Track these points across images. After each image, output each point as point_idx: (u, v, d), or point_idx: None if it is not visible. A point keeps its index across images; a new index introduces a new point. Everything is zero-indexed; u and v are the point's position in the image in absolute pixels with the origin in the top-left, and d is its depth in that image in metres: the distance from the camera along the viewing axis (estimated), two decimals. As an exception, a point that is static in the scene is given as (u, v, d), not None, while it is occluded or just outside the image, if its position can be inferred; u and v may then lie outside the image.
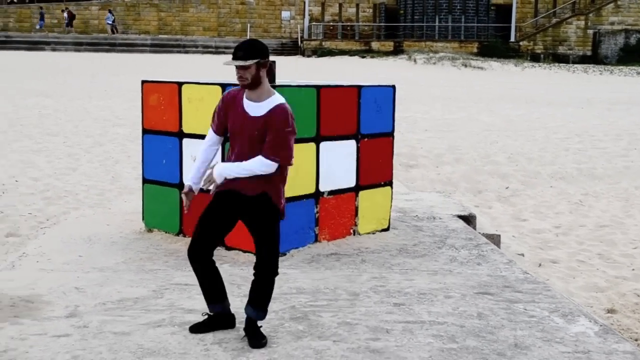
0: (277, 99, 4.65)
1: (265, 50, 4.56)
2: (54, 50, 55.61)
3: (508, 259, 7.04)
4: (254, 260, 6.48)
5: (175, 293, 5.79)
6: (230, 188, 4.70)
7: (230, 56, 4.64)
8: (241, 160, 4.64)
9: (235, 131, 4.68)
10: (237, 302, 5.53)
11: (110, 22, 59.90)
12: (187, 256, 4.83)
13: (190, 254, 4.79)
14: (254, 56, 4.51)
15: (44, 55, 51.14)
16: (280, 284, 6.01)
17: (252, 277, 4.82)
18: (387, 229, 7.98)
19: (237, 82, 4.66)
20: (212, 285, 4.90)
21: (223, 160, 4.88)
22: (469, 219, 8.76)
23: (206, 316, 5.00)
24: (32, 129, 18.11)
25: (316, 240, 7.35)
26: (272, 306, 5.39)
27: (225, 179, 4.68)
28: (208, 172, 4.75)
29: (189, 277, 6.21)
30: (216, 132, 4.82)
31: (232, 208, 4.76)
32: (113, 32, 59.59)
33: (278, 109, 4.60)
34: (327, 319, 5.27)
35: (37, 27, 60.27)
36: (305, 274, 6.36)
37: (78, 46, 56.81)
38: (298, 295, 5.77)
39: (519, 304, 5.69)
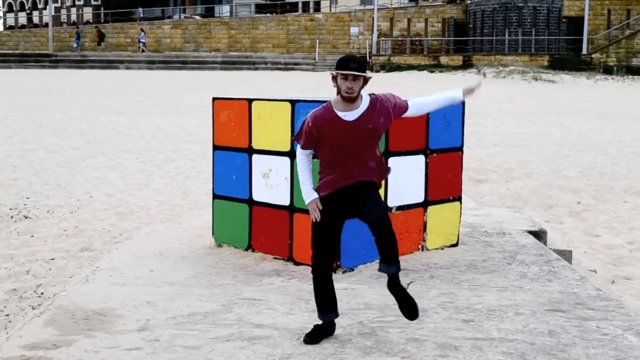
0: (366, 96, 4.97)
1: None
2: (127, 68, 56.86)
3: (580, 276, 6.91)
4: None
5: (244, 308, 5.84)
6: (346, 184, 4.94)
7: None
8: (362, 163, 4.94)
9: (342, 143, 4.89)
10: (306, 317, 5.57)
11: (143, 41, 61.25)
12: (312, 269, 5.08)
13: (319, 268, 5.03)
14: (365, 70, 4.82)
15: (117, 73, 52.31)
16: (348, 299, 6.02)
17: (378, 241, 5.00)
18: (455, 245, 7.92)
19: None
20: (330, 295, 5.10)
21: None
22: (539, 235, 8.63)
23: (313, 327, 5.15)
24: (106, 146, 18.52)
25: (384, 255, 7.32)
26: (340, 321, 5.40)
27: None
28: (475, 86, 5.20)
29: (258, 292, 6.28)
30: (305, 147, 5.03)
31: (343, 207, 4.99)
32: (142, 51, 60.93)
33: (375, 97, 4.98)
34: (395, 335, 5.25)
35: (74, 45, 62.01)
36: (373, 290, 6.36)
37: (150, 64, 57.96)
38: (366, 311, 5.77)
39: (592, 321, 5.58)
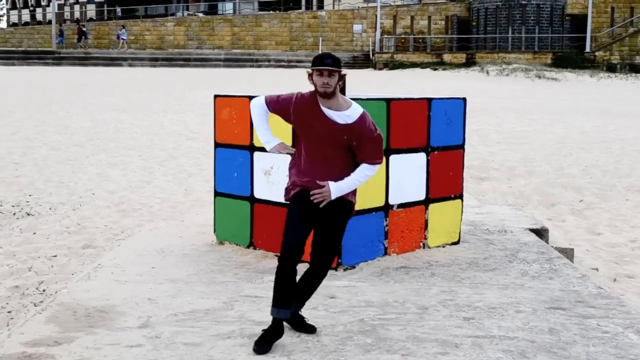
0: (359, 108, 4.97)
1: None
2: (130, 65, 56.87)
3: (581, 274, 6.92)
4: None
5: (245, 305, 5.85)
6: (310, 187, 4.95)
7: (309, 65, 4.98)
8: (326, 162, 4.94)
9: (320, 135, 4.91)
10: (306, 314, 5.57)
11: (124, 38, 61.45)
12: (279, 256, 4.97)
13: (285, 252, 4.92)
14: (339, 67, 4.85)
15: (121, 70, 52.34)
16: (349, 297, 6.03)
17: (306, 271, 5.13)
18: (457, 243, 7.93)
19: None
20: (289, 288, 4.98)
21: (293, 159, 5.14)
22: (541, 233, 8.63)
23: (262, 332, 5.00)
24: (108, 143, 18.54)
25: (385, 253, 7.34)
26: (341, 319, 5.42)
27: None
28: (324, 187, 4.91)
29: (259, 289, 6.29)
30: (270, 105, 5.11)
31: (312, 205, 4.96)
32: (122, 47, 61.16)
33: (365, 119, 4.94)
34: (395, 332, 5.26)
35: (58, 42, 62.38)
36: (374, 287, 6.36)
37: (154, 62, 57.99)
38: (367, 309, 5.77)
39: (592, 319, 5.59)
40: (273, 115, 5.11)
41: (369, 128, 4.93)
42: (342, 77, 4.88)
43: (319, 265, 5.09)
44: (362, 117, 4.93)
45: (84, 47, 61.65)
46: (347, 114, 4.91)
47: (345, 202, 5.01)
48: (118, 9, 71.39)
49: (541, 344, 5.06)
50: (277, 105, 5.08)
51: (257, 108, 5.15)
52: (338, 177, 4.93)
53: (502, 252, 7.64)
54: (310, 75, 4.88)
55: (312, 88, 4.93)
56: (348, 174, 4.96)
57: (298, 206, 4.98)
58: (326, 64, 4.80)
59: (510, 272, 6.91)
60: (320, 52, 59.46)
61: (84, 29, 63.39)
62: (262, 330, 5.04)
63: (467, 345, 5.00)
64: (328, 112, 4.90)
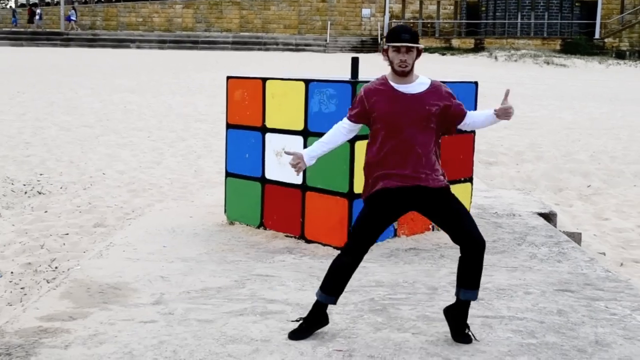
0: (426, 78, 4.69)
1: None
2: (138, 47, 56.87)
3: (589, 257, 6.96)
4: (333, 254, 6.60)
5: (257, 283, 5.91)
6: (410, 184, 4.61)
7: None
8: (409, 147, 4.55)
9: (396, 119, 4.55)
10: (317, 293, 5.63)
11: (74, 19, 61.50)
12: (342, 248, 4.73)
13: (352, 248, 4.65)
14: (417, 41, 4.51)
15: (129, 52, 52.33)
16: (360, 277, 6.08)
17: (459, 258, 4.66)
18: (466, 225, 7.95)
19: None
20: (345, 280, 4.75)
21: (370, 153, 4.71)
22: (549, 217, 8.67)
23: (301, 321, 4.84)
24: (118, 124, 18.60)
25: (395, 235, 7.39)
26: (352, 298, 5.47)
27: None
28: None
29: (270, 268, 6.35)
30: (350, 117, 4.73)
31: (401, 206, 4.68)
32: (72, 29, 61.25)
33: (438, 84, 4.67)
34: (406, 311, 5.32)
35: (12, 22, 63.75)
36: (384, 268, 6.42)
37: (162, 44, 57.97)
38: (377, 288, 5.83)
39: (600, 301, 5.64)
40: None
41: (446, 91, 4.65)
42: (420, 53, 4.52)
43: (474, 246, 4.55)
44: (435, 83, 4.65)
45: (40, 27, 61.81)
46: (418, 83, 4.59)
47: (442, 190, 4.68)
48: None
49: (550, 324, 5.11)
50: (356, 112, 4.70)
51: (337, 128, 4.78)
52: (437, 172, 4.66)
53: (511, 235, 7.68)
54: (385, 51, 4.53)
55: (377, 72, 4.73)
56: (432, 157, 4.64)
57: (380, 211, 4.62)
58: (404, 39, 4.43)
59: (519, 255, 6.96)
60: (328, 36, 59.33)
61: (37, 10, 63.88)
62: (300, 318, 4.87)
63: (477, 325, 5.05)
64: (401, 87, 4.55)
